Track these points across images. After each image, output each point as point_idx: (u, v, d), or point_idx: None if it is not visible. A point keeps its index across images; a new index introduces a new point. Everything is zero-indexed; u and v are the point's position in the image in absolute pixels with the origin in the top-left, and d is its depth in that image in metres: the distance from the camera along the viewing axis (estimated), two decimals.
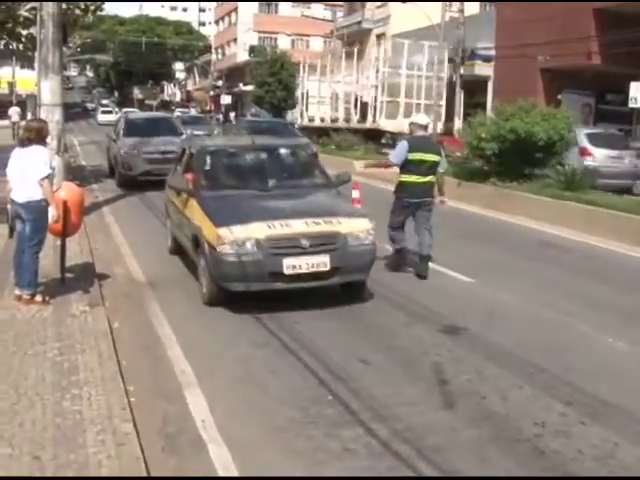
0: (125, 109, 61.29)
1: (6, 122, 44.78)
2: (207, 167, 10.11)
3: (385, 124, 34.19)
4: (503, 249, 12.80)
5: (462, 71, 36.02)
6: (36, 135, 8.23)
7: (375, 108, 35.76)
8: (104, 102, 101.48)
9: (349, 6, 59.05)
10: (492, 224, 15.70)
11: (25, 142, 8.20)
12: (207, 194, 9.39)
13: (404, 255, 10.76)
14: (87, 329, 7.25)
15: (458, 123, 33.79)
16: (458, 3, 36.39)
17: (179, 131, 22.38)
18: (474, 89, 37.00)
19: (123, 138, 21.35)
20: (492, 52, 35.47)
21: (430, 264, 10.60)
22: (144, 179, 19.45)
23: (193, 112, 71.08)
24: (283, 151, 10.89)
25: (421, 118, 11.49)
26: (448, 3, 35.61)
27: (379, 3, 52.40)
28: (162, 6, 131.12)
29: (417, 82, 34.79)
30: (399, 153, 10.60)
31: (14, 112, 46.15)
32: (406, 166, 10.43)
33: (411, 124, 11.07)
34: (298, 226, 8.41)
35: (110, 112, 73.93)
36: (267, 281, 8.27)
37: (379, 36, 52.89)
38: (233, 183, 9.88)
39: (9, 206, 8.48)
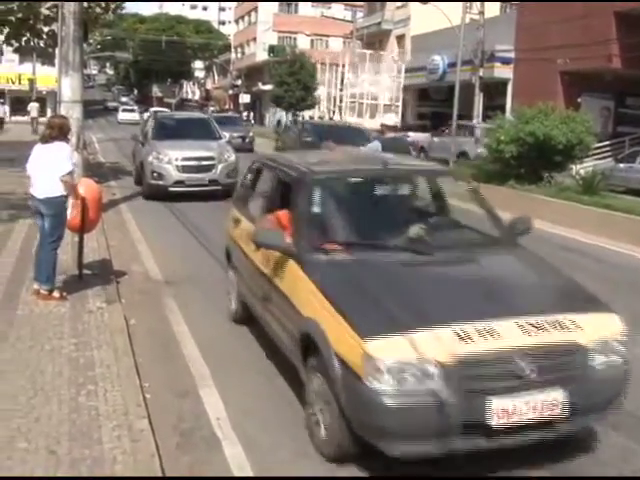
0: (154, 108, 59.96)
1: (26, 118, 45.23)
2: (320, 210, 6.26)
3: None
4: None
5: (481, 73, 35.91)
6: (58, 131, 8.24)
7: None
8: (123, 100, 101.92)
9: (369, 7, 59.03)
10: None
11: (48, 139, 8.21)
12: (324, 261, 5.49)
13: None
14: (104, 325, 7.29)
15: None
16: (478, 5, 36.26)
17: (217, 134, 19.91)
18: (493, 91, 36.91)
19: (152, 141, 18.57)
20: (512, 54, 35.37)
21: None
22: (176, 191, 17.32)
23: (211, 111, 70.71)
24: (430, 182, 7.52)
25: (387, 119, 11.86)
26: (468, 5, 35.48)
27: (399, 4, 52.35)
28: (182, 5, 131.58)
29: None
30: (372, 149, 11.29)
31: (33, 108, 47.11)
32: None
33: (382, 125, 12.04)
34: (510, 333, 4.65)
35: (132, 110, 72.23)
36: (459, 438, 4.48)
37: (399, 37, 52.89)
38: (367, 239, 5.91)
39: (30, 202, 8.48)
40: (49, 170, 8.00)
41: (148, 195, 17.60)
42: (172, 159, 17.43)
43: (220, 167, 17.72)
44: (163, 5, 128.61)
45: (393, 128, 11.72)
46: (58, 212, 8.11)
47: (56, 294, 8.22)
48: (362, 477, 4.91)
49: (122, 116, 68.60)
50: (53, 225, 8.10)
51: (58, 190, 8.01)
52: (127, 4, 71.72)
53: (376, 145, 11.50)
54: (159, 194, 17.25)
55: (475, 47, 35.66)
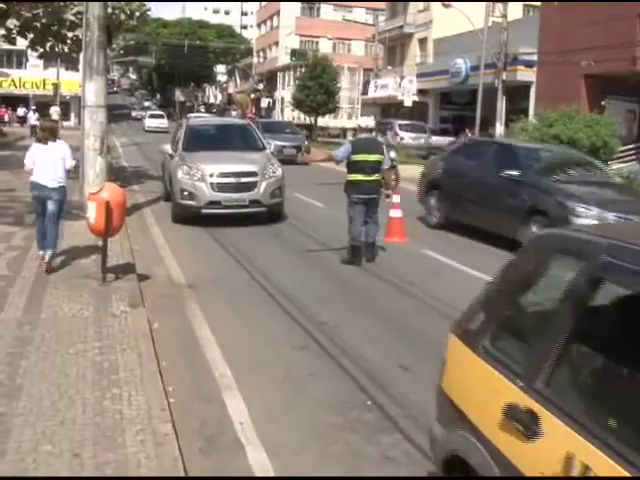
0: (192, 114, 55.58)
1: None
2: None
3: None
4: None
5: (504, 76, 35.74)
6: (50, 133, 9.94)
7: None
8: (146, 104, 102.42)
9: (391, 10, 58.99)
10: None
11: (43, 140, 9.85)
12: None
13: (357, 250, 11.37)
14: (127, 329, 7.31)
15: (500, 129, 33.55)
16: (501, 8, 36.10)
17: (260, 144, 16.68)
18: (516, 95, 36.69)
19: (182, 153, 15.55)
20: (535, 57, 35.17)
21: (471, 271, 10.74)
22: (210, 213, 14.49)
23: (234, 115, 70.53)
24: None
25: (362, 121, 12.19)
26: (491, 8, 35.32)
27: (421, 7, 52.27)
28: (205, 9, 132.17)
29: None
30: (342, 153, 11.62)
31: (54, 111, 48.83)
32: (352, 166, 11.39)
33: (357, 127, 12.14)
34: None
35: (160, 117, 65.89)
36: None
37: (421, 40, 52.79)
38: None
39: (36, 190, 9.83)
40: (56, 165, 9.71)
41: (177, 218, 14.79)
42: (206, 175, 14.45)
43: (264, 185, 14.60)
44: (186, 10, 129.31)
45: (367, 130, 12.07)
46: (63, 197, 9.90)
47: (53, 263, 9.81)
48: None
49: (149, 123, 62.54)
50: (59, 207, 9.81)
51: (64, 180, 9.86)
52: (150, 9, 70.90)
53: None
54: (190, 217, 14.53)
55: (498, 50, 35.48)
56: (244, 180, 14.45)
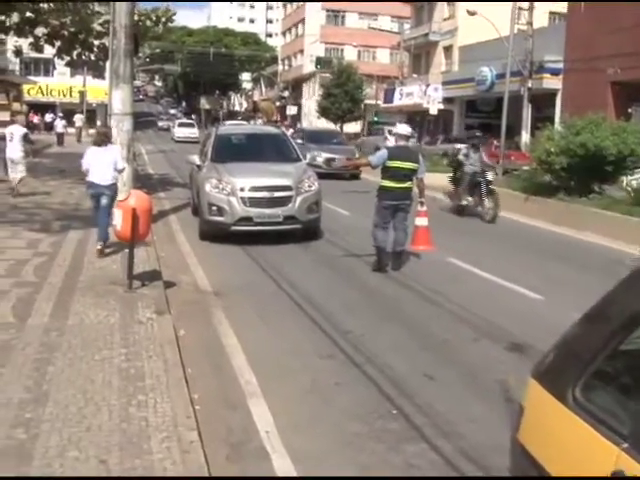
0: (230, 121, 50.92)
1: (72, 130, 47.39)
2: None
3: None
4: (571, 266, 12.55)
5: (530, 84, 35.59)
6: (104, 137, 11.73)
7: None
8: (172, 112, 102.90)
9: (416, 18, 58.99)
10: (560, 240, 15.42)
11: (99, 143, 11.54)
12: None
13: (382, 254, 11.41)
14: (153, 336, 7.33)
15: (526, 137, 33.41)
16: (527, 15, 35.94)
17: (295, 154, 15.53)
18: (542, 102, 36.56)
19: (211, 164, 14.50)
20: (561, 65, 35.00)
21: (496, 279, 10.80)
22: (241, 230, 13.39)
23: (259, 122, 70.42)
24: None
25: (402, 129, 12.19)
26: (516, 16, 35.16)
27: (447, 15, 52.22)
28: (230, 17, 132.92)
29: None
30: (378, 158, 11.60)
31: (78, 118, 50.85)
32: (386, 173, 11.37)
33: (394, 134, 12.36)
34: None
35: (190, 125, 62.82)
36: None
37: (446, 48, 52.72)
38: None
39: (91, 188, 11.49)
40: (109, 165, 11.31)
41: (205, 235, 13.77)
42: (236, 188, 13.33)
43: (299, 199, 13.47)
44: (211, 18, 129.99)
45: (405, 137, 11.97)
46: (114, 194, 11.36)
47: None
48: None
49: (179, 132, 59.18)
50: (110, 203, 11.04)
51: (115, 178, 11.52)
52: (175, 16, 70.79)
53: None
54: (219, 234, 13.44)
55: (524, 58, 35.37)
56: (278, 194, 13.32)
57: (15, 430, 5.03)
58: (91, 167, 11.33)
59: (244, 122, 55.55)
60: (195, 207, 15.56)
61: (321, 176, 17.69)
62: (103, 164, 11.29)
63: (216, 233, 13.45)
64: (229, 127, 20.79)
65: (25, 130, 19.05)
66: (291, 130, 38.91)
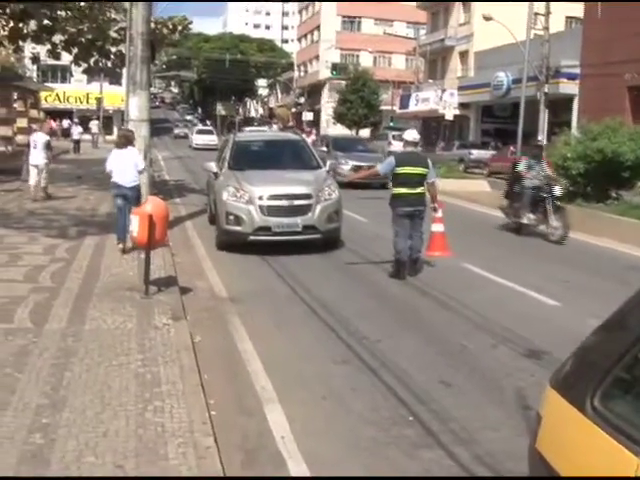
0: (248, 127, 51.32)
1: (88, 137, 48.05)
2: None
3: None
4: (589, 272, 12.49)
5: (546, 89, 35.49)
6: (126, 140, 12.44)
7: None
8: (188, 118, 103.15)
9: (432, 24, 58.98)
10: (577, 246, 15.33)
11: (121, 145, 12.37)
12: None
13: (402, 264, 11.35)
14: (170, 342, 7.35)
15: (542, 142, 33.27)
16: (543, 20, 35.84)
17: (315, 162, 15.13)
18: (559, 107, 36.47)
19: (228, 172, 14.26)
20: (577, 70, 34.91)
21: (513, 285, 10.82)
22: (259, 240, 13.04)
23: (275, 128, 70.40)
24: None
25: (409, 135, 12.05)
26: (532, 21, 35.10)
27: (462, 20, 52.21)
28: (245, 24, 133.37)
29: None
30: (385, 166, 11.83)
31: (94, 125, 51.83)
32: (397, 180, 11.40)
33: (403, 141, 12.32)
34: None
35: (209, 132, 61.51)
36: None
37: (462, 53, 52.68)
38: None
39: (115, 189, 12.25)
40: (131, 167, 12.11)
41: (222, 245, 13.46)
42: (254, 197, 13.01)
43: (319, 208, 13.14)
44: (227, 25, 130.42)
45: (413, 143, 11.90)
46: (137, 194, 12.28)
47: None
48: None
49: (198, 139, 57.81)
50: (134, 203, 11.40)
51: (137, 179, 12.32)
52: (192, 24, 70.02)
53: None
54: (236, 243, 13.15)
55: (540, 63, 35.28)
56: (297, 203, 13.02)
57: (33, 435, 5.06)
58: (114, 169, 12.18)
59: (264, 128, 55.62)
60: (212, 216, 15.26)
61: (349, 185, 17.76)
62: (125, 166, 12.09)
63: (233, 243, 13.15)
64: (247, 134, 20.48)
65: (48, 138, 19.58)
66: (313, 136, 37.71)
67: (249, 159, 14.82)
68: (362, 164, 24.88)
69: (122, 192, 12.09)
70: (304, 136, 30.22)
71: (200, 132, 61.33)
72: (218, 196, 13.76)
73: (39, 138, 19.11)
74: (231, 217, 13.09)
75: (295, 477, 4.98)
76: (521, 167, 16.24)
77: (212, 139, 56.33)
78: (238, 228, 13.01)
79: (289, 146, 16.31)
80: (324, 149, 27.57)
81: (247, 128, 51.31)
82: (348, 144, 29.23)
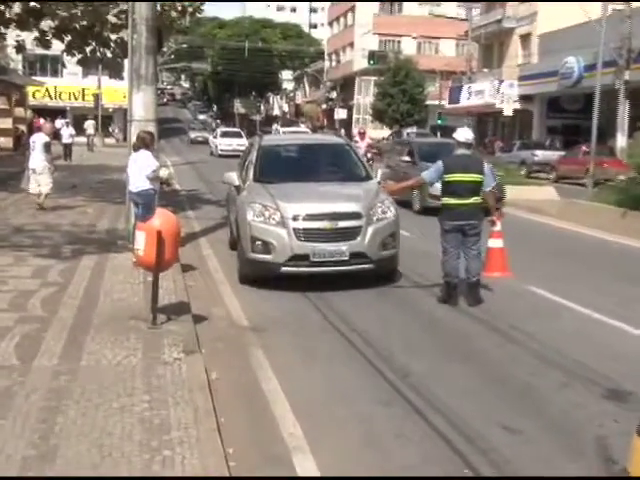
0: (284, 128, 50.56)
1: (83, 139, 48.62)
2: None
3: None
4: None
5: (627, 76, 35.12)
6: (141, 142, 13.24)
7: None
8: (201, 117, 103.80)
9: (487, 3, 58.87)
10: None
11: (136, 148, 13.33)
12: None
13: (452, 288, 11.31)
14: (181, 379, 7.34)
15: (621, 140, 33.01)
16: None
17: (364, 172, 14.17)
18: None
19: (254, 185, 13.31)
20: None
21: (588, 312, 10.68)
22: (293, 272, 12.09)
23: (303, 127, 70.49)
24: None
25: (461, 134, 11.74)
26: None
27: None
28: (267, 5, 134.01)
29: None
30: (431, 173, 11.62)
31: (90, 125, 52.53)
32: (445, 188, 11.35)
33: (454, 141, 11.84)
34: None
35: (237, 135, 58.64)
36: None
37: (523, 37, 52.49)
38: None
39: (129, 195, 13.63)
40: (140, 171, 13.04)
41: (246, 278, 12.52)
42: (288, 217, 12.01)
43: (371, 230, 12.09)
44: (246, 8, 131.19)
45: (466, 144, 11.60)
46: (148, 201, 12.89)
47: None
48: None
49: (223, 144, 55.85)
50: (144, 211, 12.25)
51: (147, 185, 13.08)
52: (206, 6, 68.91)
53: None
54: (265, 277, 12.24)
55: (619, 45, 34.92)
56: (343, 224, 12.00)
57: None
58: (129, 174, 13.45)
59: (304, 129, 55.91)
60: (234, 240, 14.26)
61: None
62: (135, 169, 13.20)
63: (261, 276, 12.25)
64: (276, 137, 19.32)
65: (47, 139, 19.99)
66: (368, 139, 32.44)
67: (280, 169, 14.08)
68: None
69: (132, 198, 13.52)
70: (357, 140, 29.08)
71: (225, 135, 59.04)
72: (241, 216, 12.80)
73: (38, 139, 19.80)
74: (258, 243, 12.09)
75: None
76: None
77: (241, 143, 49.17)
78: (267, 257, 12.03)
79: (330, 152, 15.40)
80: (406, 159, 23.97)
81: (281, 128, 50.35)
82: (440, 152, 23.33)
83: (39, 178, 19.39)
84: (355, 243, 11.95)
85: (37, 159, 19.48)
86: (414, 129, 58.61)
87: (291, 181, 13.21)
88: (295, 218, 11.96)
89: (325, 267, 12.00)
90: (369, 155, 26.74)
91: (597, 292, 12.04)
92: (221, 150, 54.55)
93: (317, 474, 5.79)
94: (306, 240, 11.89)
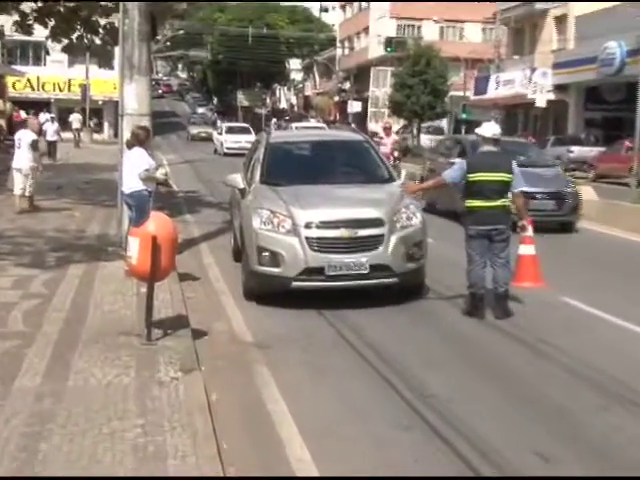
0: (296, 123, 50.05)
1: (69, 135, 48.63)
2: None
3: None
4: None
5: None
6: (135, 138, 13.24)
7: None
8: (200, 111, 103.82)
9: None
10: None
11: (129, 145, 13.33)
12: None
13: (478, 299, 11.30)
14: (178, 401, 7.36)
15: None
16: None
17: (386, 173, 13.83)
18: None
19: (261, 187, 13.07)
20: None
21: (628, 324, 10.68)
22: (306, 286, 11.78)
23: (315, 122, 69.90)
24: None
25: (487, 129, 11.69)
26: None
27: None
28: None
29: None
30: (453, 172, 11.78)
31: (75, 119, 52.66)
32: (469, 189, 11.35)
33: (477, 137, 11.89)
34: None
35: (244, 130, 57.68)
36: None
37: (558, 19, 52.32)
38: None
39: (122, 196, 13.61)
40: (131, 171, 13.01)
41: (251, 293, 12.28)
42: (299, 224, 11.68)
43: (394, 240, 11.73)
44: None
45: (492, 140, 11.46)
46: (141, 203, 12.78)
47: None
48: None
49: (229, 141, 55.21)
50: (137, 214, 12.30)
51: (139, 186, 12.95)
52: None
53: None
54: (273, 291, 11.95)
55: None
56: (363, 233, 11.64)
57: None
58: (122, 172, 13.67)
59: (319, 123, 55.32)
60: (237, 248, 14.00)
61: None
62: (127, 169, 13.33)
63: (269, 291, 11.98)
64: (286, 133, 18.74)
65: (34, 137, 20.04)
66: (394, 136, 30.75)
67: (290, 169, 13.82)
68: (535, 190, 18.67)
69: (124, 199, 13.62)
70: (382, 136, 28.03)
71: (232, 131, 58.08)
72: (246, 222, 12.50)
73: (24, 136, 19.87)
74: (265, 254, 11.75)
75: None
76: None
77: (249, 140, 46.11)
78: (275, 270, 11.68)
79: (347, 150, 15.02)
80: (459, 160, 19.49)
81: (294, 124, 49.72)
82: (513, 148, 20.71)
83: (24, 179, 19.40)
84: (376, 254, 11.61)
85: (23, 158, 19.54)
86: (436, 123, 58.66)
87: (303, 183, 12.90)
88: (308, 226, 11.64)
89: (342, 281, 11.67)
90: (396, 154, 25.92)
91: (628, 302, 12.02)
92: (227, 148, 53.96)
93: None
94: (321, 251, 11.57)
